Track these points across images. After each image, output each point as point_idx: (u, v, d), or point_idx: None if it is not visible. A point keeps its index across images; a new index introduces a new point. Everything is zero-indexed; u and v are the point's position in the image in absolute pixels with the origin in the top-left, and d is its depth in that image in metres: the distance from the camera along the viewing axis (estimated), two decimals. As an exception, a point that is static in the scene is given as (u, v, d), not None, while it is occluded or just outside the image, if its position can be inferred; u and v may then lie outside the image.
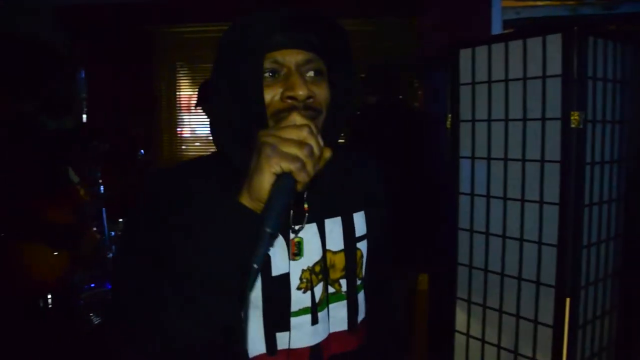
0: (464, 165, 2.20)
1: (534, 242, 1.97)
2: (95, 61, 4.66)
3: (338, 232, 1.00)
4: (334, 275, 1.00)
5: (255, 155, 0.76)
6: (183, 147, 5.13)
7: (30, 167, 2.09)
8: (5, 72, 2.18)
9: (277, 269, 0.91)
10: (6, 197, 2.04)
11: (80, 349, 2.52)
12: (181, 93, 5.10)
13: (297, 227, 0.90)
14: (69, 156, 2.50)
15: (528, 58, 1.96)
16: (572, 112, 1.84)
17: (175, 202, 0.90)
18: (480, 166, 2.14)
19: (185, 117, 5.14)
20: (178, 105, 5.13)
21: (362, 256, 1.05)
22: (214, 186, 0.93)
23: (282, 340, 0.94)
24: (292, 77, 0.87)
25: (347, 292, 1.01)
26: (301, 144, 0.74)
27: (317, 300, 0.97)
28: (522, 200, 2.00)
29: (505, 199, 2.06)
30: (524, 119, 1.98)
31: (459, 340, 2.27)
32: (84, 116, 3.63)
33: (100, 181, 2.70)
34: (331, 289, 1.00)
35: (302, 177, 0.74)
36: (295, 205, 0.92)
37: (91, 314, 2.70)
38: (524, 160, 1.99)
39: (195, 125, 5.15)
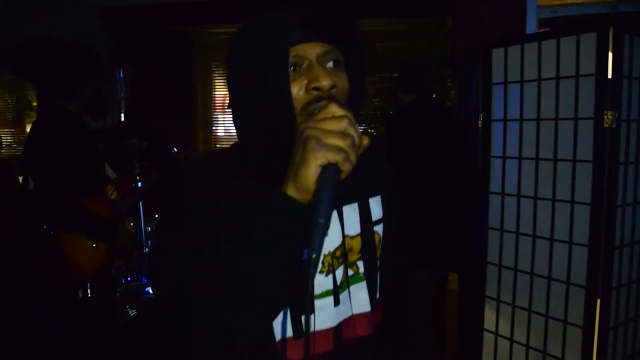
0: (495, 164, 2.19)
1: (565, 242, 1.96)
2: (135, 61, 4.80)
3: (355, 217, 1.03)
4: (351, 258, 1.03)
5: (299, 148, 0.78)
6: (218, 146, 5.23)
7: (73, 163, 2.17)
8: (47, 73, 2.28)
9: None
10: (51, 190, 2.14)
11: (116, 340, 2.60)
12: (216, 93, 5.20)
13: None
14: (107, 154, 2.58)
15: (561, 57, 1.95)
16: (605, 112, 1.82)
17: (211, 193, 0.92)
18: (512, 165, 2.13)
19: (220, 117, 5.24)
20: (213, 104, 5.23)
21: (379, 239, 1.08)
22: (247, 179, 0.95)
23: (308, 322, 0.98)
24: (314, 69, 0.89)
25: (366, 273, 1.05)
26: (343, 134, 0.76)
27: (338, 282, 1.00)
28: (553, 200, 1.99)
29: (536, 198, 2.05)
30: (556, 119, 1.97)
31: (488, 339, 2.26)
32: (122, 115, 3.74)
33: (138, 178, 2.78)
34: (350, 272, 1.03)
35: (346, 167, 0.76)
36: None
37: (127, 307, 2.78)
38: (555, 159, 1.98)
39: (229, 125, 5.24)
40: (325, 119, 0.78)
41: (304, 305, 0.75)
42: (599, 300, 1.89)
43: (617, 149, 1.84)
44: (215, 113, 5.29)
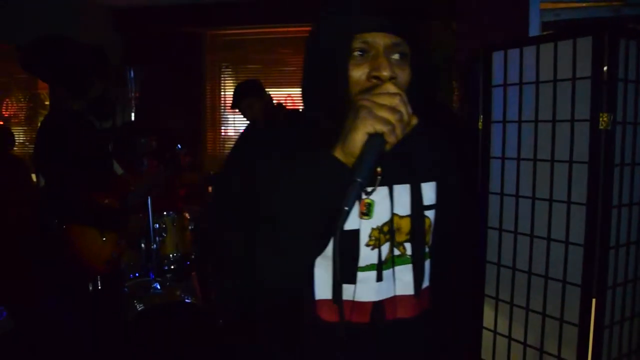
0: (494, 165, 2.24)
1: (561, 241, 1.99)
2: (146, 61, 4.89)
3: (406, 198, 1.07)
4: (399, 238, 1.07)
5: (351, 116, 0.87)
6: (227, 146, 5.29)
7: (78, 160, 2.24)
8: (55, 71, 2.35)
9: (348, 225, 0.99)
10: (58, 186, 2.21)
11: (124, 333, 2.67)
12: (226, 93, 5.27)
13: (369, 189, 0.95)
14: (116, 152, 2.65)
15: (559, 60, 1.99)
16: (601, 114, 1.86)
17: (268, 156, 1.02)
18: (510, 166, 2.17)
19: (230, 117, 5.30)
20: (223, 105, 5.30)
21: (430, 224, 1.11)
22: (301, 144, 1.03)
23: (348, 291, 1.02)
24: (379, 59, 0.95)
25: (413, 256, 1.08)
26: (393, 109, 0.84)
27: (383, 258, 1.05)
28: (550, 200, 2.03)
29: (533, 198, 2.09)
30: (554, 120, 2.01)
31: (487, 337, 2.30)
32: (132, 115, 3.82)
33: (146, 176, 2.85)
34: (396, 251, 1.07)
35: (391, 139, 0.84)
36: None
37: (135, 301, 2.84)
38: (552, 160, 2.02)
39: (239, 125, 5.30)
40: (379, 94, 0.87)
41: (334, 251, 0.86)
42: (594, 300, 1.92)
43: (613, 151, 1.87)
44: (225, 113, 5.35)
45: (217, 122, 5.32)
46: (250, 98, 3.20)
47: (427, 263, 1.12)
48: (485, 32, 2.94)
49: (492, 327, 2.28)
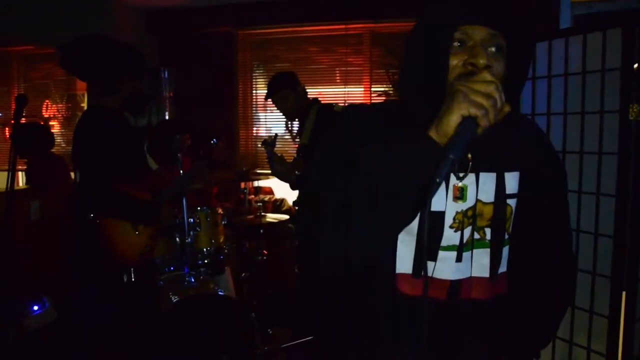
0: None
1: (591, 233, 1.99)
2: (180, 61, 5.01)
3: (491, 186, 1.11)
4: (480, 223, 1.11)
5: (448, 99, 0.91)
6: (259, 144, 5.36)
7: (111, 155, 2.32)
8: (91, 69, 2.44)
9: (435, 206, 1.05)
10: (92, 180, 2.29)
11: (159, 324, 2.75)
12: (257, 92, 5.34)
13: (461, 175, 1.01)
14: (151, 148, 2.73)
15: (588, 52, 1.99)
16: (631, 105, 1.86)
17: (365, 133, 1.09)
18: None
19: (262, 115, 5.38)
20: (255, 103, 5.37)
21: (511, 212, 1.14)
22: (397, 126, 1.10)
23: (428, 268, 1.06)
24: (476, 49, 1.00)
25: (491, 241, 1.12)
26: (488, 96, 0.88)
27: (464, 241, 1.10)
28: (579, 192, 2.03)
29: (562, 191, 2.09)
30: (583, 112, 2.01)
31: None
32: (167, 113, 3.94)
33: (181, 171, 2.92)
34: (477, 235, 1.11)
35: (484, 123, 0.88)
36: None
37: (170, 293, 2.92)
38: (582, 152, 2.02)
39: (270, 124, 5.37)
40: (476, 80, 0.91)
41: (421, 220, 0.93)
42: (624, 292, 1.92)
43: (643, 142, 1.87)
44: (257, 112, 5.43)
45: (249, 120, 5.39)
46: (284, 90, 3.23)
47: (506, 250, 1.15)
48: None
49: (521, 320, 2.28)
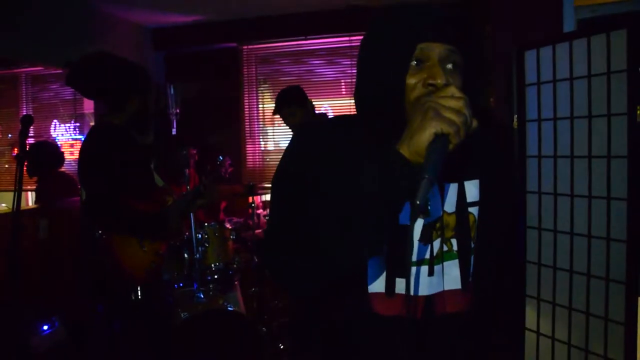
0: (531, 164, 2.22)
1: (603, 238, 1.96)
2: (185, 77, 5.04)
3: (453, 196, 1.11)
4: (447, 234, 1.11)
5: (418, 117, 0.90)
6: (267, 158, 5.36)
7: (122, 170, 2.32)
8: (96, 87, 2.46)
9: (403, 220, 1.01)
10: (101, 195, 2.29)
11: (169, 340, 2.73)
12: (264, 107, 5.35)
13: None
14: (157, 165, 2.73)
15: (592, 55, 1.97)
16: (638, 107, 1.83)
17: (325, 153, 1.06)
18: (547, 164, 2.15)
19: (269, 130, 5.38)
20: (261, 118, 5.38)
21: (474, 220, 1.14)
22: (358, 140, 1.08)
23: (400, 285, 1.06)
24: (434, 68, 0.99)
25: (459, 251, 1.12)
26: (459, 112, 0.88)
27: (434, 253, 1.09)
28: (590, 197, 2.00)
29: (572, 195, 2.06)
30: (589, 116, 1.99)
31: (530, 338, 2.27)
32: (174, 129, 3.94)
33: (187, 186, 2.92)
34: (445, 247, 1.11)
35: (455, 140, 0.88)
36: None
37: (179, 310, 2.91)
38: (590, 156, 1.99)
39: (278, 138, 5.37)
40: (445, 96, 0.90)
41: (404, 243, 0.90)
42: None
43: (652, 144, 1.84)
44: (263, 127, 5.44)
45: (255, 134, 5.40)
46: (293, 106, 3.22)
47: (471, 256, 1.15)
48: (519, 32, 2.93)
49: (534, 328, 2.25)
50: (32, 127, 2.28)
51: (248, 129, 5.39)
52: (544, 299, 2.19)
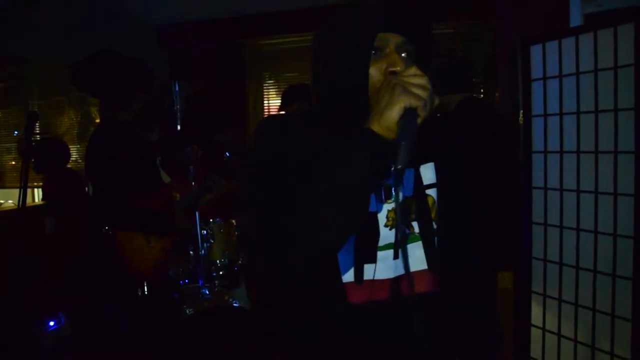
0: (537, 160, 2.20)
1: (609, 234, 1.95)
2: (191, 74, 5.04)
3: (410, 180, 1.16)
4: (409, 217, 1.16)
5: (386, 95, 0.94)
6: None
7: (122, 168, 2.33)
8: (102, 84, 2.46)
9: (370, 207, 1.07)
10: (107, 192, 2.30)
11: (174, 337, 2.74)
12: (269, 103, 5.35)
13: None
14: (163, 161, 2.74)
15: (599, 50, 1.95)
16: (646, 102, 1.82)
17: (293, 140, 1.09)
18: (553, 160, 2.14)
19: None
20: (266, 113, 5.38)
21: (434, 202, 1.19)
22: (321, 130, 1.11)
23: (368, 271, 1.10)
24: (392, 55, 1.05)
25: (421, 233, 1.16)
26: (424, 87, 0.93)
27: (398, 237, 1.12)
28: (596, 193, 1.98)
29: (578, 191, 2.04)
30: (596, 111, 1.97)
31: (535, 334, 2.26)
32: (178, 125, 3.94)
33: (193, 183, 2.92)
34: (407, 230, 1.15)
35: (423, 113, 0.92)
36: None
37: (185, 306, 2.91)
38: (596, 152, 1.98)
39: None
40: (409, 74, 0.95)
41: (371, 229, 0.98)
42: (646, 293, 1.87)
43: (660, 139, 1.82)
44: (268, 122, 5.44)
45: (261, 131, 5.42)
46: (298, 103, 3.21)
47: (435, 237, 1.18)
48: (524, 26, 2.90)
49: (540, 325, 2.24)
50: (37, 123, 2.29)
51: (253, 124, 5.39)
52: (550, 296, 2.18)
